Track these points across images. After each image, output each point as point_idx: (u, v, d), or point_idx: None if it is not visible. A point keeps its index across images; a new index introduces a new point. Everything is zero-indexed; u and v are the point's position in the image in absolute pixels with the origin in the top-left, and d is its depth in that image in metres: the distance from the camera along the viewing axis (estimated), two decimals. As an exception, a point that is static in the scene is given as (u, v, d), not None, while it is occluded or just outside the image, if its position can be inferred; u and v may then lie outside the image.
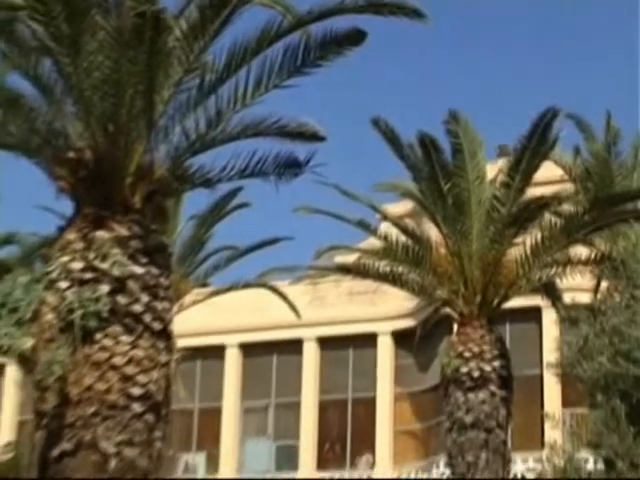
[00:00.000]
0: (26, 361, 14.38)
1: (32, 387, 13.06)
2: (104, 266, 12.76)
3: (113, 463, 12.37)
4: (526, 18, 75.46)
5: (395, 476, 33.09)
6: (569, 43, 78.24)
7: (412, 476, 32.77)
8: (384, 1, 13.12)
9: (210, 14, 13.04)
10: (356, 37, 13.19)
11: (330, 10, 13.05)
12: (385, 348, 34.07)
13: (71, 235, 13.08)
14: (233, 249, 26.11)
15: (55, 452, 12.46)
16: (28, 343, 13.12)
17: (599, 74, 70.36)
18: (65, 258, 12.90)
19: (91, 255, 12.81)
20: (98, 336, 12.58)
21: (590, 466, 7.15)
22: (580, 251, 22.33)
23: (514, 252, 21.22)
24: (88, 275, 12.71)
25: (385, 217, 23.57)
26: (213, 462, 35.35)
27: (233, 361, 35.42)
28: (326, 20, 13.17)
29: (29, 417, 18.06)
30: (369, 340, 34.24)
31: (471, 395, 20.69)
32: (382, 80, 67.37)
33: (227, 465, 34.92)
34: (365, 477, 33.64)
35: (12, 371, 32.48)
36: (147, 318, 12.84)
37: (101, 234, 12.93)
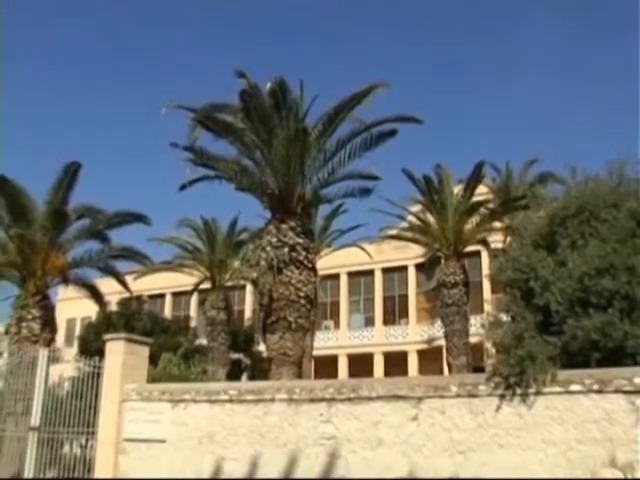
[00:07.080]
0: (254, 282, 14.47)
1: (259, 293, 13.06)
2: (285, 239, 12.83)
3: (293, 325, 12.47)
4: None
5: (417, 327, 32.65)
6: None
7: (427, 328, 32.31)
8: (403, 116, 12.95)
9: (327, 126, 13.00)
10: (394, 132, 12.99)
11: (380, 121, 12.90)
12: (411, 272, 33.57)
13: (270, 227, 13.15)
14: (340, 230, 26.06)
15: (268, 321, 12.59)
16: (254, 274, 13.29)
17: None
18: (268, 237, 13.00)
19: (280, 235, 12.91)
20: (284, 271, 12.67)
21: (505, 319, 6.95)
22: (497, 224, 21.81)
23: (468, 226, 20.84)
24: (278, 244, 12.77)
25: (409, 212, 23.22)
26: (336, 324, 35.41)
27: (344, 280, 35.31)
28: (380, 125, 13.02)
29: (257, 307, 18.32)
30: (404, 269, 33.77)
31: (451, 291, 20.33)
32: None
33: (343, 325, 34.96)
34: (404, 328, 33.28)
35: (249, 288, 32.93)
36: (305, 262, 12.84)
37: (284, 225, 13.01)
